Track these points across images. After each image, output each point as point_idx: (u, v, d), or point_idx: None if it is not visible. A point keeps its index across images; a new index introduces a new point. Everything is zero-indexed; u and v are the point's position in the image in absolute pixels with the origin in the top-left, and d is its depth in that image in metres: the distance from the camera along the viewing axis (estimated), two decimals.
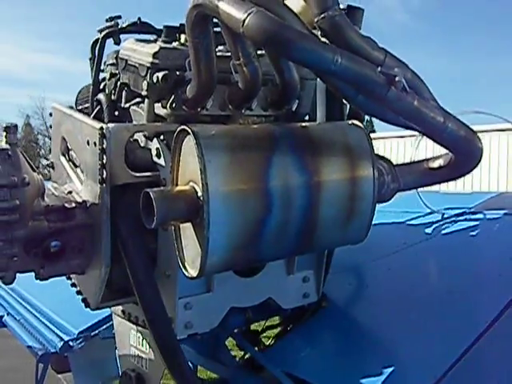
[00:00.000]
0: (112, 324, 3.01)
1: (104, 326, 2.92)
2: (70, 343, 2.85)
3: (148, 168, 1.95)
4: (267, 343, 2.58)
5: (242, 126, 1.92)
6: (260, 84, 1.93)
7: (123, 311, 2.24)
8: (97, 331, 2.91)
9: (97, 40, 2.23)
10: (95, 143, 1.86)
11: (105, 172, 1.84)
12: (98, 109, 2.18)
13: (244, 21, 1.44)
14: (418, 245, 2.72)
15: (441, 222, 2.88)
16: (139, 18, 2.17)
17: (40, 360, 2.81)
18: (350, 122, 1.95)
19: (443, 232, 2.79)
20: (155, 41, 2.06)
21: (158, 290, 1.88)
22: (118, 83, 2.14)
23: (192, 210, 1.62)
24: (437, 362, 1.94)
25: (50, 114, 2.24)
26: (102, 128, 1.82)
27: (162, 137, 1.93)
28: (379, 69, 1.61)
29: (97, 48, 2.22)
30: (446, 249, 2.67)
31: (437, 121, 1.77)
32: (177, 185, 1.74)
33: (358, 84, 1.58)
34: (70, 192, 2.05)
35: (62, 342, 2.83)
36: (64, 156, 2.18)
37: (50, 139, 2.31)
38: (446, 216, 2.93)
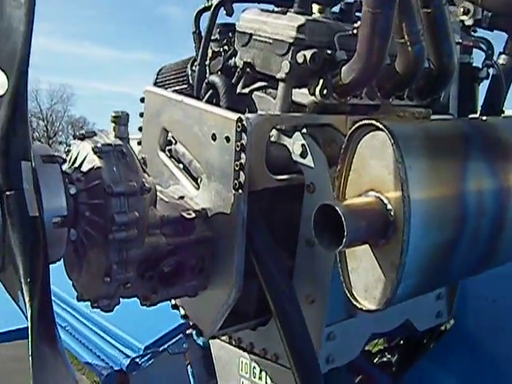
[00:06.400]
0: (181, 337, 2.67)
1: (173, 340, 2.57)
2: (137, 360, 2.49)
3: (283, 169, 1.59)
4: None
5: (431, 123, 1.57)
6: (423, 68, 1.58)
7: (229, 336, 1.90)
8: (166, 345, 2.56)
9: (203, 9, 1.83)
10: (228, 138, 1.49)
11: (242, 175, 1.47)
12: (209, 93, 1.78)
13: None
14: None
15: None
16: None
17: (105, 381, 2.45)
18: None
19: None
20: (285, 12, 1.67)
21: (304, 319, 1.54)
22: (233, 62, 1.76)
23: (378, 229, 1.28)
24: None
25: (142, 100, 1.84)
26: (241, 119, 1.44)
27: (303, 131, 1.57)
28: None
29: (203, 19, 1.82)
30: None
31: None
32: (344, 195, 1.39)
33: None
34: (181, 197, 1.67)
35: (128, 360, 2.47)
36: (164, 152, 1.79)
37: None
38: None
